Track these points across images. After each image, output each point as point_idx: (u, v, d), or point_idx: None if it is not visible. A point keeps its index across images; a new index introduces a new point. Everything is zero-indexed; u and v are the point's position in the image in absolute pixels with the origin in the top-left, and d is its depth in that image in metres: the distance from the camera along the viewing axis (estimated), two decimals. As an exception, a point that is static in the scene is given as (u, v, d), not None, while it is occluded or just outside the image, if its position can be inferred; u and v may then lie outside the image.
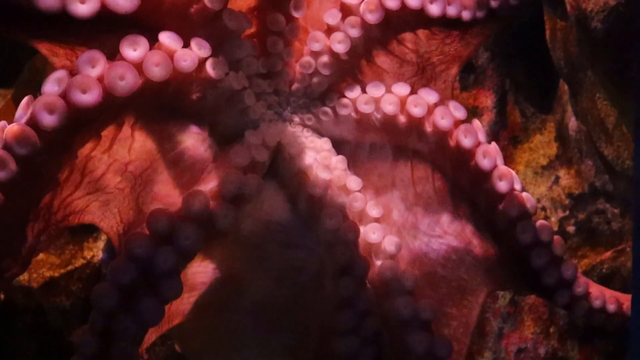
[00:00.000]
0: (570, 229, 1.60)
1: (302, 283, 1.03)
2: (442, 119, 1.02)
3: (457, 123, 1.03)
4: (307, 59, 1.03)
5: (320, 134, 1.06)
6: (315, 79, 1.03)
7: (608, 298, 1.08)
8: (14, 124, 0.86)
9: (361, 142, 1.07)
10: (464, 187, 1.06)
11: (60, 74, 0.87)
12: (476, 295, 1.07)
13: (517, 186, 1.03)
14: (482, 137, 1.03)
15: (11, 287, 1.53)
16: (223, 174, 0.96)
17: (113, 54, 0.90)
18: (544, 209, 1.66)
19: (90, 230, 1.55)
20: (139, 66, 0.89)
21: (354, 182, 1.03)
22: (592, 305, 1.07)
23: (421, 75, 1.08)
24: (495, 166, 1.02)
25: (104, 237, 1.54)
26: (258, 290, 1.03)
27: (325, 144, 1.05)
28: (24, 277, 1.53)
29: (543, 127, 1.68)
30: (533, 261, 1.03)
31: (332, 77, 1.04)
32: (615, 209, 1.55)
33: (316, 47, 1.02)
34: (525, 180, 1.63)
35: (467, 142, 1.01)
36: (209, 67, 0.95)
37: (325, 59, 1.02)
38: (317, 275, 1.01)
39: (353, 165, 1.06)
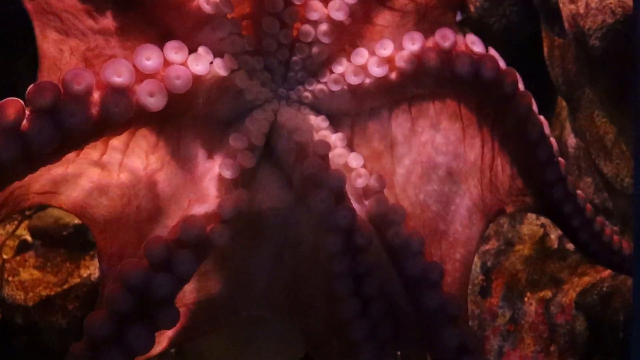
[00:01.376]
0: (570, 246, 1.59)
1: (301, 255, 1.01)
2: (433, 58, 1.00)
3: (451, 48, 1.01)
4: (306, 27, 1.01)
5: (317, 110, 1.04)
6: (315, 49, 1.02)
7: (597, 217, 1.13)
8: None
9: (360, 110, 1.05)
10: (472, 102, 1.04)
11: (48, 84, 0.85)
12: (469, 249, 1.06)
13: (521, 85, 1.04)
14: (478, 44, 1.01)
15: (7, 306, 1.53)
16: (218, 187, 0.95)
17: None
18: (543, 225, 1.65)
19: (86, 249, 1.55)
20: (132, 91, 0.88)
21: (354, 159, 1.01)
22: (581, 208, 1.10)
23: (423, 21, 1.06)
24: (500, 69, 1.01)
25: (100, 255, 1.54)
26: (262, 276, 1.02)
27: (322, 122, 1.03)
28: (20, 296, 1.53)
29: (541, 144, 1.68)
30: (539, 154, 1.05)
31: (331, 45, 1.02)
32: (615, 227, 1.54)
33: (314, 16, 1.00)
34: (524, 197, 1.63)
35: (447, 45, 0.99)
36: (192, 64, 0.93)
37: (324, 27, 1.01)
38: (314, 245, 0.99)
39: (354, 135, 1.05)
